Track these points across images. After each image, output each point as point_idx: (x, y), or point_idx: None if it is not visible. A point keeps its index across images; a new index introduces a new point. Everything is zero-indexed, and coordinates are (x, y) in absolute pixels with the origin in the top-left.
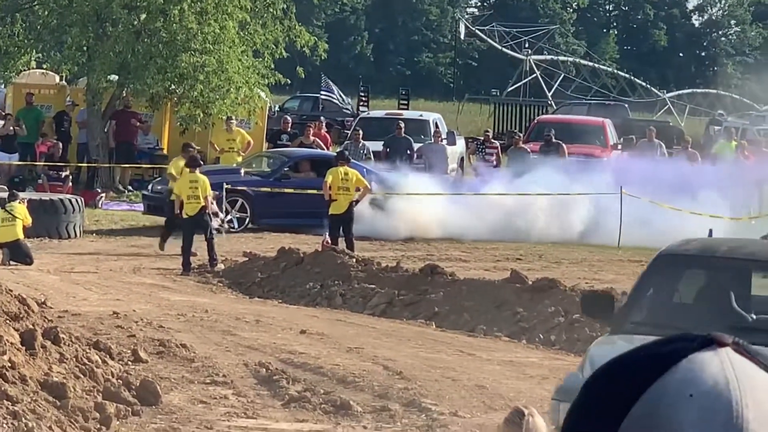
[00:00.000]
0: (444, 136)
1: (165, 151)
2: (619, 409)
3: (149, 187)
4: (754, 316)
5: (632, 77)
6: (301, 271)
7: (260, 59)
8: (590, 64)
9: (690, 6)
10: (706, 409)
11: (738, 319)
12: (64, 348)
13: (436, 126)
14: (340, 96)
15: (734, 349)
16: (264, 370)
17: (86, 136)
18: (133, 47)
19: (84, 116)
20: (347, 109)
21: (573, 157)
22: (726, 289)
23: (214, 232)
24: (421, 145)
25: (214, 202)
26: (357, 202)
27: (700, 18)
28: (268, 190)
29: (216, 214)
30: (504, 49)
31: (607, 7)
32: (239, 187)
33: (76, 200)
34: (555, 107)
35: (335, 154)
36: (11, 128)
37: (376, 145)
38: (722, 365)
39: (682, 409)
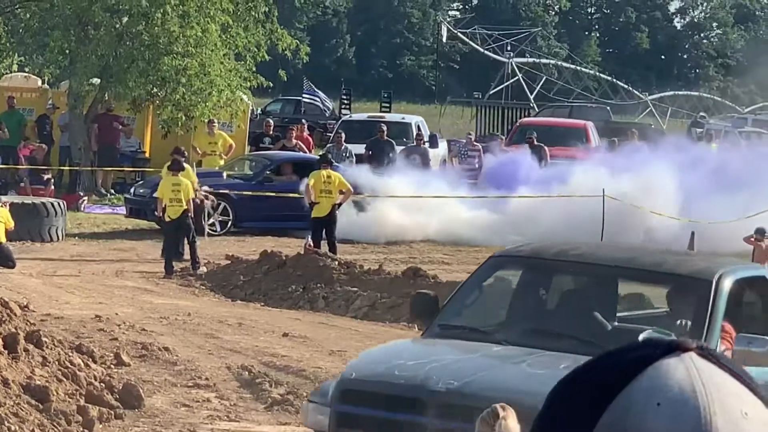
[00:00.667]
0: (426, 139)
1: (147, 155)
2: (586, 419)
3: (131, 190)
4: (562, 320)
5: (614, 80)
6: (283, 274)
7: (242, 62)
8: (572, 66)
9: (672, 8)
10: (674, 417)
11: (541, 324)
12: (46, 351)
13: (419, 129)
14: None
15: (699, 354)
16: (247, 373)
17: (68, 140)
18: (115, 50)
19: (66, 120)
20: (327, 108)
21: (555, 159)
22: (552, 293)
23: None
24: (403, 147)
25: (208, 200)
26: (339, 205)
27: (682, 20)
28: (250, 193)
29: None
30: (486, 52)
31: (589, 9)
32: (221, 191)
33: (59, 203)
34: (537, 110)
35: (317, 157)
36: None
37: (359, 148)
38: (688, 371)
39: (650, 418)
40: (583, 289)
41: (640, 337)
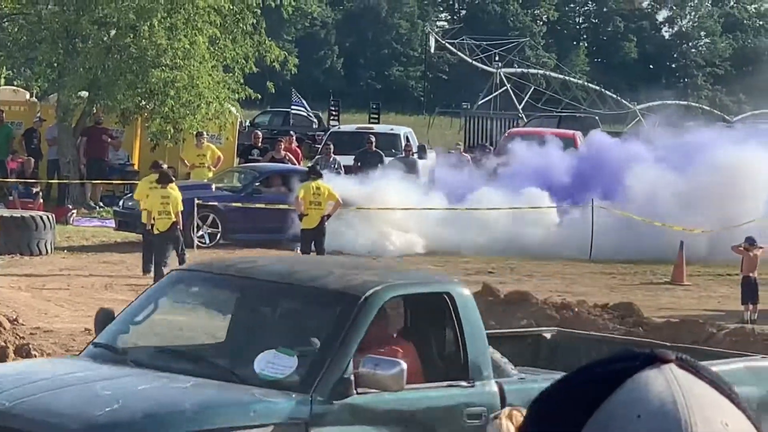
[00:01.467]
0: (415, 149)
1: (136, 167)
2: None
3: (120, 203)
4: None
5: (603, 89)
6: None
7: (230, 74)
8: (560, 76)
9: (660, 18)
10: (656, 429)
11: (170, 343)
12: None
13: (407, 140)
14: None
15: (678, 365)
16: None
17: (56, 153)
18: (104, 63)
19: (54, 133)
20: (312, 119)
21: None
22: (214, 307)
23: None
24: (391, 158)
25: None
26: (329, 216)
27: (670, 30)
28: (239, 205)
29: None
30: (474, 62)
31: (577, 19)
32: (210, 203)
33: (48, 217)
34: (526, 120)
35: (306, 168)
36: None
37: (347, 160)
38: (668, 383)
39: (631, 430)
40: (241, 305)
41: (615, 352)
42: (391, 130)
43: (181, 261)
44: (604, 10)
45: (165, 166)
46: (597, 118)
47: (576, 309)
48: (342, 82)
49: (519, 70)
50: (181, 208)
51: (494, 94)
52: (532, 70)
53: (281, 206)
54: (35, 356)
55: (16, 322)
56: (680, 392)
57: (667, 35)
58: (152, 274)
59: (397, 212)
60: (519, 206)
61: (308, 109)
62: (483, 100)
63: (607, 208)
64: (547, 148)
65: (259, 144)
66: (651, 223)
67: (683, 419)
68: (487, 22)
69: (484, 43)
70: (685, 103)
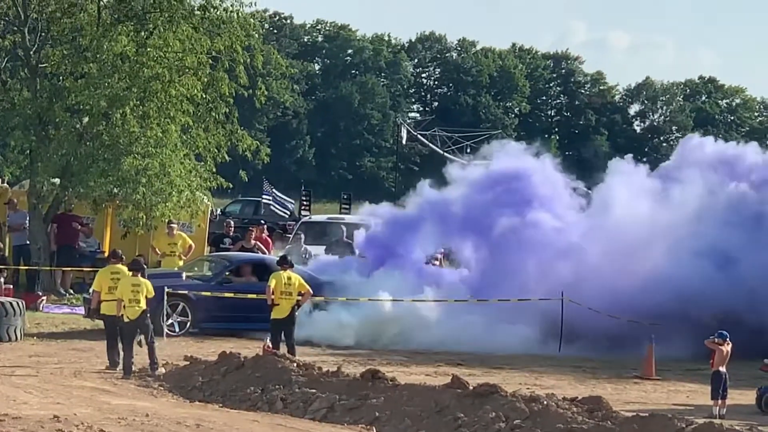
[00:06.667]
0: None
1: (106, 255)
2: None
3: (90, 290)
4: None
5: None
6: (242, 376)
7: (202, 163)
8: None
9: (631, 112)
10: None
11: None
12: None
13: None
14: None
15: None
16: None
17: (21, 239)
18: (76, 150)
19: (18, 219)
20: (287, 212)
21: None
22: None
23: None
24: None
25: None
26: (299, 306)
27: (642, 124)
28: (210, 294)
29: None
30: (446, 154)
31: (549, 112)
32: (180, 291)
33: (17, 303)
34: None
35: (277, 258)
36: None
37: (318, 249)
38: None
39: None
40: None
41: None
42: (362, 220)
43: (151, 349)
44: (576, 103)
45: (123, 255)
46: None
47: (545, 402)
48: (313, 171)
49: (490, 162)
50: (151, 295)
51: None
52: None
53: (251, 295)
54: None
55: None
56: None
57: (638, 129)
58: (120, 367)
59: (366, 303)
60: (485, 299)
61: (281, 202)
62: None
63: (576, 302)
64: None
65: (231, 233)
66: (617, 318)
67: None
68: (459, 114)
69: (456, 134)
70: None
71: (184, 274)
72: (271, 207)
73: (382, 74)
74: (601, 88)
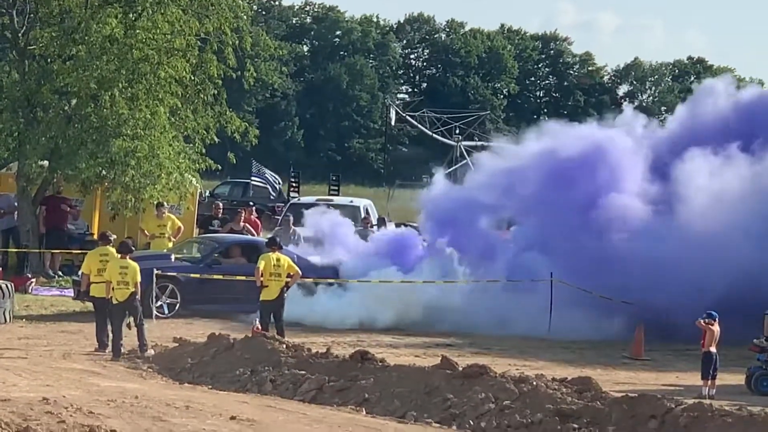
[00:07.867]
0: (374, 222)
1: (95, 237)
2: None
3: (79, 272)
4: None
5: None
6: (231, 357)
7: (191, 145)
8: None
9: (620, 92)
10: None
11: None
12: None
13: (367, 212)
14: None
15: None
16: None
17: (7, 222)
18: (65, 132)
19: (6, 202)
20: (275, 190)
21: None
22: None
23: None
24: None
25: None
26: (288, 288)
27: (631, 105)
28: (198, 275)
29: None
30: (434, 135)
31: (538, 93)
32: (169, 273)
33: (6, 286)
34: None
35: (266, 240)
36: None
37: (307, 231)
38: None
39: None
40: None
41: None
42: (351, 201)
43: (140, 331)
44: (565, 84)
45: (113, 237)
46: None
47: (534, 383)
48: (302, 153)
49: (479, 143)
50: (139, 278)
51: (455, 167)
52: (492, 144)
53: (240, 277)
54: None
55: None
56: None
57: (627, 110)
58: (110, 349)
59: (356, 284)
60: (476, 279)
61: (272, 181)
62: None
63: (566, 283)
64: None
65: (219, 215)
66: (609, 299)
67: None
68: (448, 95)
69: (445, 116)
70: None
71: (173, 256)
72: (259, 184)
73: (371, 56)
74: (590, 69)
